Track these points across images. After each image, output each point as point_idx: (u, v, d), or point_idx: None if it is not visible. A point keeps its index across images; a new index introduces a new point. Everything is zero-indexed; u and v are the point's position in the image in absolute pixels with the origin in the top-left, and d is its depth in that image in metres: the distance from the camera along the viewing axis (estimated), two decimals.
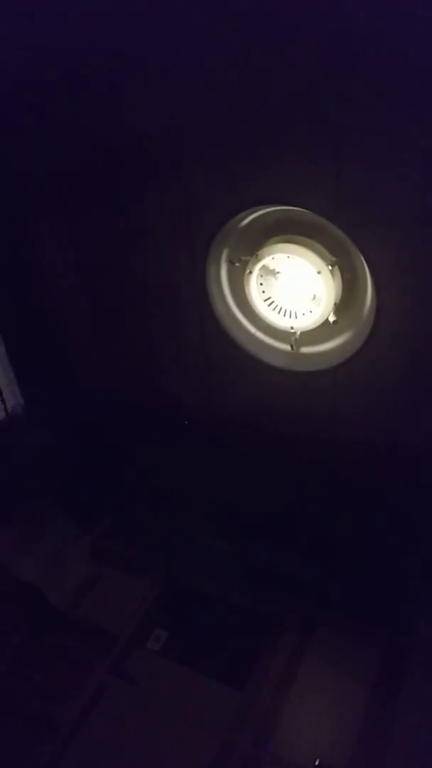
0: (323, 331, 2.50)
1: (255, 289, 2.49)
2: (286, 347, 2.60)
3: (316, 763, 2.53)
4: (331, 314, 2.40)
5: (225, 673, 2.89)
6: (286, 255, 2.34)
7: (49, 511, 3.57)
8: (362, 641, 2.94)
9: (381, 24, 1.73)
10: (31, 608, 3.24)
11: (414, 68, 1.76)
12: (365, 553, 3.02)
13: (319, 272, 2.31)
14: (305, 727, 2.71)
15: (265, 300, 2.52)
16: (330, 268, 2.31)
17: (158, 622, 3.16)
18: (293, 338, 2.53)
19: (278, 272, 2.43)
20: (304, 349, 2.60)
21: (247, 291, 2.50)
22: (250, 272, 2.43)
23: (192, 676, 2.91)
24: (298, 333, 2.51)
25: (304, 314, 2.46)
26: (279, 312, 2.52)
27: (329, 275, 2.31)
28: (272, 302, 2.51)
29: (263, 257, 2.37)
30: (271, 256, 2.36)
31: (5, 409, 3.50)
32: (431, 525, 2.76)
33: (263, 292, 2.50)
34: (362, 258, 2.23)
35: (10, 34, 2.30)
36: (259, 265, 2.40)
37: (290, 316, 2.51)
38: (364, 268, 2.28)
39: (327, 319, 2.42)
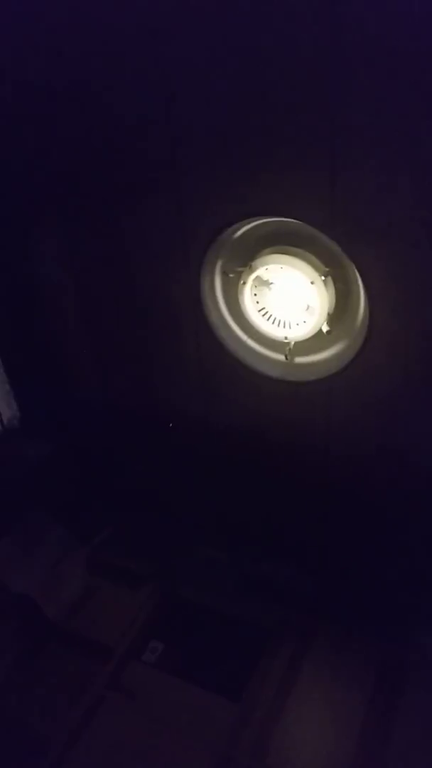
0: (317, 341, 2.51)
1: (249, 299, 2.50)
2: (281, 357, 2.61)
3: None
4: (325, 324, 2.41)
5: (221, 685, 2.87)
6: (280, 266, 2.36)
7: (45, 524, 3.56)
8: (359, 653, 2.93)
9: (375, 38, 1.76)
10: (26, 621, 3.22)
11: (408, 82, 1.78)
12: (362, 563, 3.02)
13: (312, 283, 2.33)
14: (302, 739, 2.69)
15: (260, 310, 2.53)
16: (323, 278, 2.33)
17: (154, 634, 3.14)
18: (287, 348, 2.54)
19: (272, 283, 2.45)
20: (299, 359, 2.61)
21: (241, 301, 2.52)
22: (245, 283, 2.45)
23: (188, 689, 2.89)
24: (292, 343, 2.53)
25: (298, 324, 2.48)
26: (273, 322, 2.53)
27: (322, 286, 2.33)
28: (266, 312, 2.53)
29: (257, 268, 2.39)
30: (264, 267, 2.38)
31: (1, 421, 3.50)
32: (428, 535, 2.76)
33: (257, 302, 2.52)
34: (355, 269, 2.25)
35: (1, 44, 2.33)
36: (253, 276, 2.42)
37: (284, 327, 2.52)
38: (357, 279, 2.30)
39: (321, 329, 2.43)
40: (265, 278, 2.44)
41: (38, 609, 3.23)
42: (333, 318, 2.43)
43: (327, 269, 2.34)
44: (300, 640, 3.02)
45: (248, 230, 2.45)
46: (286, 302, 2.47)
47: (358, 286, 2.32)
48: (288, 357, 2.56)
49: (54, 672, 3.03)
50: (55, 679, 3.00)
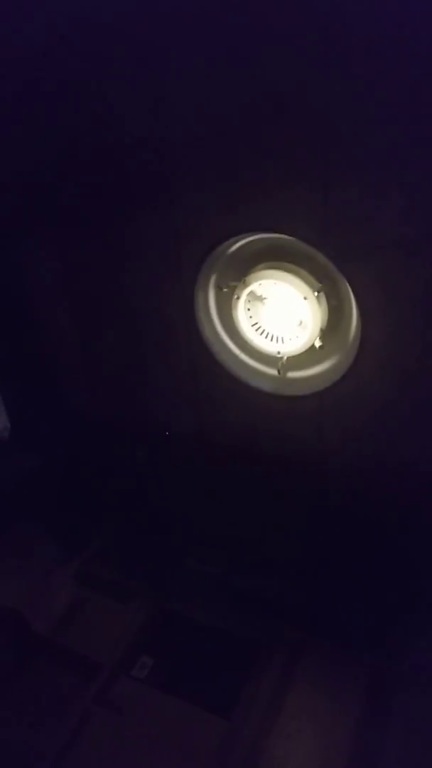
0: (310, 355, 2.53)
1: (242, 314, 2.52)
2: (274, 372, 2.63)
3: None
4: (318, 339, 2.43)
5: (211, 701, 2.85)
6: (274, 281, 2.38)
7: (34, 536, 3.54)
8: (350, 667, 2.92)
9: (369, 56, 1.79)
10: (14, 635, 3.19)
11: (400, 99, 1.81)
12: (352, 578, 3.02)
13: (305, 298, 2.35)
14: (293, 754, 2.67)
15: (253, 325, 2.55)
16: (316, 294, 2.35)
17: (144, 649, 3.12)
18: (280, 363, 2.56)
19: (265, 298, 2.47)
20: (291, 374, 2.63)
21: (234, 316, 2.53)
22: (238, 298, 2.46)
23: (178, 704, 2.86)
24: (285, 358, 2.55)
25: (290, 339, 2.50)
26: (266, 337, 2.55)
27: (315, 301, 2.35)
28: (259, 327, 2.55)
29: (251, 283, 2.41)
30: (258, 282, 2.40)
31: None
32: (419, 549, 2.77)
33: (251, 317, 2.53)
34: (347, 284, 2.28)
35: None
36: (246, 291, 2.44)
37: (277, 341, 2.54)
38: (349, 295, 2.32)
39: (313, 345, 2.45)
40: (258, 293, 2.46)
41: (26, 622, 3.20)
42: (325, 333, 2.46)
43: (320, 285, 2.36)
44: (290, 654, 3.01)
45: (242, 246, 2.47)
46: (279, 317, 2.49)
47: (350, 301, 2.34)
48: (281, 372, 2.58)
49: (41, 687, 3.00)
50: (43, 694, 2.96)
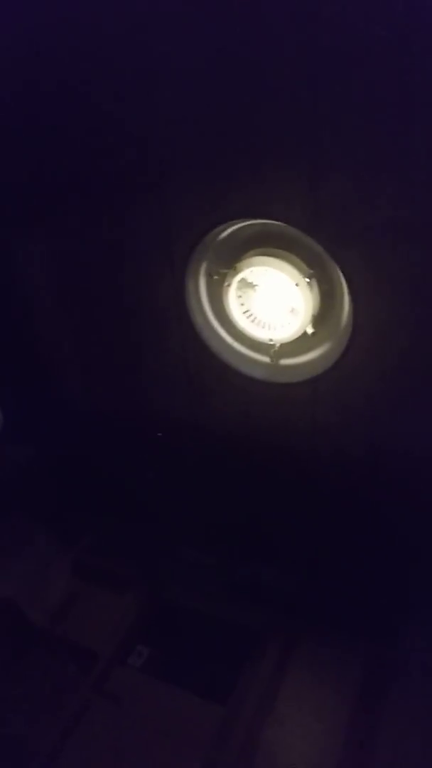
0: (302, 342, 2.51)
1: (234, 301, 2.50)
2: (266, 359, 2.62)
3: None
4: (309, 326, 2.41)
5: (207, 689, 2.87)
6: (264, 268, 2.36)
7: (30, 528, 3.54)
8: (346, 655, 2.94)
9: (360, 44, 1.77)
10: (9, 626, 3.19)
11: (392, 84, 1.79)
12: (348, 565, 3.02)
13: (297, 285, 2.33)
14: (289, 741, 2.69)
15: (244, 312, 2.53)
16: (307, 280, 2.33)
17: (140, 638, 3.13)
18: (272, 350, 2.55)
19: (256, 285, 2.45)
20: (284, 361, 2.61)
21: (226, 304, 2.51)
22: (229, 285, 2.44)
23: (174, 692, 2.88)
24: (277, 345, 2.53)
25: (282, 326, 2.48)
26: (258, 324, 2.53)
27: (307, 287, 2.34)
28: (251, 315, 2.53)
29: (241, 270, 2.39)
30: (249, 269, 2.38)
31: None
32: (414, 536, 2.77)
33: (242, 304, 2.52)
34: (339, 270, 2.26)
35: None
36: (237, 278, 2.42)
37: (269, 329, 2.52)
38: (340, 280, 2.30)
39: (305, 331, 2.43)
40: (249, 280, 2.44)
41: (22, 613, 3.20)
42: (317, 319, 2.44)
43: (311, 271, 2.34)
44: (286, 642, 3.02)
45: (232, 232, 2.45)
46: (270, 304, 2.47)
47: (342, 287, 2.33)
48: (273, 359, 2.57)
49: (39, 677, 3.01)
50: (40, 684, 2.98)
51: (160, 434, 3.09)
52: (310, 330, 2.42)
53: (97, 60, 2.17)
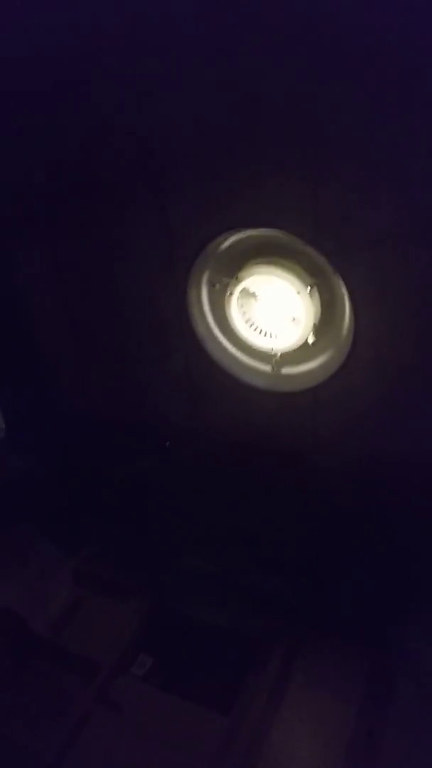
0: (303, 352, 2.53)
1: (236, 310, 2.51)
2: (267, 368, 2.62)
3: None
4: (311, 335, 2.43)
5: (210, 698, 2.86)
6: (266, 277, 2.37)
7: (32, 537, 3.53)
8: (348, 661, 2.93)
9: (361, 56, 1.79)
10: (12, 635, 3.19)
11: (392, 94, 1.81)
12: (350, 572, 3.02)
13: (298, 293, 2.35)
14: (293, 750, 2.68)
15: (246, 321, 2.54)
16: (309, 289, 2.35)
17: (143, 647, 3.12)
18: (274, 359, 2.56)
19: (258, 294, 2.46)
20: (285, 370, 2.62)
21: (228, 313, 2.53)
22: (231, 294, 2.46)
23: (177, 702, 2.87)
24: (279, 354, 2.54)
25: (284, 335, 2.49)
26: (259, 333, 2.55)
27: (308, 297, 2.35)
28: (252, 324, 2.54)
29: (243, 279, 2.40)
30: (251, 279, 2.40)
31: None
32: (414, 543, 2.78)
33: (244, 313, 2.53)
34: (340, 279, 2.28)
35: None
36: (239, 287, 2.43)
37: (271, 338, 2.54)
38: (342, 290, 2.32)
39: (307, 341, 2.45)
40: (251, 290, 2.45)
41: (24, 622, 3.20)
42: (319, 329, 2.45)
43: (313, 281, 2.36)
44: (289, 649, 3.01)
45: (235, 242, 2.46)
46: (272, 313, 2.48)
47: (343, 296, 2.34)
48: (275, 368, 2.58)
49: (41, 686, 3.00)
50: (42, 694, 2.97)
51: (168, 443, 3.09)
52: (311, 339, 2.44)
53: (97, 60, 2.18)
